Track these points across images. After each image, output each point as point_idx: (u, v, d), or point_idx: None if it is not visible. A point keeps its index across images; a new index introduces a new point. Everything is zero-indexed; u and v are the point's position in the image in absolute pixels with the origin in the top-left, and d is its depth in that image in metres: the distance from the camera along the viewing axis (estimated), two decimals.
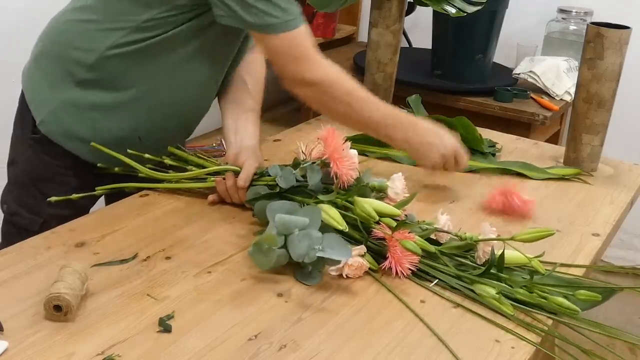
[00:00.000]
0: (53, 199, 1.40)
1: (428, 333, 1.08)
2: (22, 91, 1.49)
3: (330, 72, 1.38)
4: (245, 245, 1.26)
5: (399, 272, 1.19)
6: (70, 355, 0.96)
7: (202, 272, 1.18)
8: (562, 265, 1.26)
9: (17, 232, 1.48)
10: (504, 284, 1.17)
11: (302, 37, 1.35)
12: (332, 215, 1.21)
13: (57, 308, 1.02)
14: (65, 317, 1.02)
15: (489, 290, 1.15)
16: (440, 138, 1.46)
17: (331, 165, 1.30)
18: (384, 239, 1.22)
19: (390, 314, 1.12)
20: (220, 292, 1.14)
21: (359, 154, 1.68)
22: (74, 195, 1.40)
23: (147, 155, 1.43)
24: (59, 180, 1.46)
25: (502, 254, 1.18)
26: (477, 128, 1.72)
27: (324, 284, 1.18)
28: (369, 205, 1.23)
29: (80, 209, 1.47)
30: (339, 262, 1.17)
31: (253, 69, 1.59)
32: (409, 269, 1.19)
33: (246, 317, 1.08)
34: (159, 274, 1.17)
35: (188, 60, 1.41)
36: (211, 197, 1.41)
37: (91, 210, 1.47)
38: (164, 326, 1.03)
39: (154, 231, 1.30)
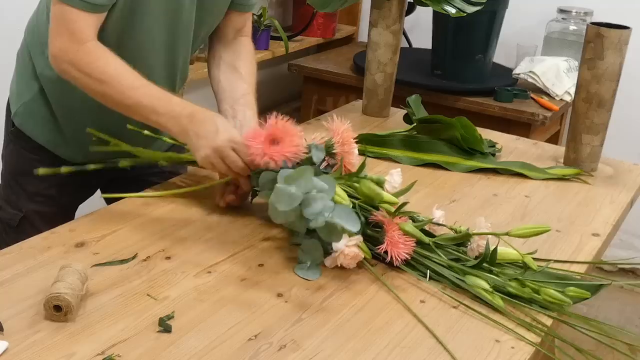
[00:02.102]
0: (40, 171, 1.37)
1: (428, 333, 1.08)
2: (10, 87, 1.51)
3: (81, 50, 1.28)
4: (245, 245, 1.27)
5: (394, 256, 1.19)
6: (70, 355, 0.96)
7: (202, 272, 1.18)
8: (556, 261, 1.27)
9: (1, 227, 1.49)
10: (495, 277, 1.18)
11: (74, 15, 1.27)
12: (336, 191, 1.21)
13: (57, 308, 1.02)
14: (65, 317, 1.02)
15: (480, 282, 1.16)
16: (215, 131, 1.29)
17: (336, 150, 1.31)
18: (381, 226, 1.22)
19: (390, 314, 1.12)
20: (220, 292, 1.14)
21: (359, 154, 1.69)
22: (64, 168, 1.37)
23: (146, 132, 1.40)
24: (38, 176, 1.46)
25: (495, 248, 1.19)
26: (477, 128, 1.72)
27: (324, 284, 1.18)
28: (373, 184, 1.23)
29: (64, 207, 1.47)
30: (348, 231, 1.16)
31: (242, 54, 1.55)
32: (404, 257, 1.20)
33: (246, 317, 1.08)
34: (159, 274, 1.17)
35: (134, 59, 1.36)
36: (222, 203, 1.38)
37: (89, 210, 1.46)
38: (164, 326, 1.03)
39: (154, 231, 1.30)
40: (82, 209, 1.54)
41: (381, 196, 1.23)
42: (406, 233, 1.19)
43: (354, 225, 1.16)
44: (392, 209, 1.24)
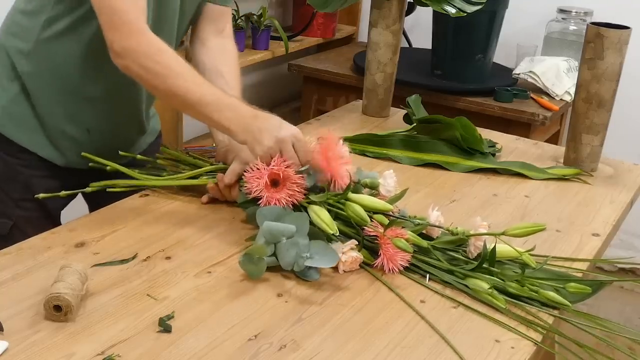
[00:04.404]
0: (41, 195, 1.37)
1: (428, 333, 1.08)
2: None
3: (142, 43, 1.27)
4: (245, 245, 1.26)
5: (391, 269, 1.20)
6: (70, 355, 0.96)
7: (202, 272, 1.18)
8: (555, 258, 1.28)
9: None
10: (496, 278, 1.18)
11: (122, 4, 1.25)
12: (323, 217, 1.21)
13: (57, 308, 1.02)
14: (65, 317, 1.02)
15: (482, 284, 1.16)
16: (275, 125, 1.30)
17: (331, 184, 1.30)
18: (376, 236, 1.23)
19: (390, 314, 1.12)
20: (220, 292, 1.14)
21: (358, 154, 1.70)
22: (63, 193, 1.38)
23: (139, 156, 1.44)
24: (24, 181, 1.44)
25: (494, 248, 1.19)
26: (477, 128, 1.72)
27: (324, 284, 1.18)
28: (360, 207, 1.23)
29: (50, 211, 1.46)
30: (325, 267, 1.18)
31: (226, 56, 1.54)
32: (401, 266, 1.21)
33: (246, 317, 1.08)
34: (159, 274, 1.17)
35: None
36: (205, 198, 1.41)
37: (71, 216, 1.45)
38: (164, 326, 1.03)
39: (154, 231, 1.30)
40: (66, 212, 1.53)
41: (367, 221, 1.22)
42: (399, 248, 1.18)
43: (329, 262, 1.17)
44: (386, 220, 1.23)
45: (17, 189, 1.44)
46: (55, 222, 1.48)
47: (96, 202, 1.45)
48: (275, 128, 1.29)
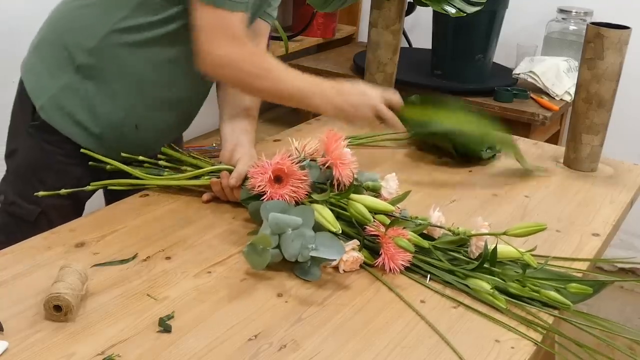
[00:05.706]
0: (41, 193, 1.38)
1: (428, 333, 1.08)
2: (20, 81, 1.48)
3: (245, 50, 1.37)
4: (245, 244, 1.26)
5: (392, 269, 1.20)
6: (70, 355, 0.96)
7: (202, 272, 1.18)
8: (556, 258, 1.28)
9: (14, 222, 1.48)
10: (497, 278, 1.18)
11: (234, 19, 1.34)
12: (326, 216, 1.21)
13: (57, 308, 1.02)
14: (65, 317, 1.02)
15: (483, 284, 1.16)
16: (363, 95, 1.45)
17: (334, 172, 1.30)
18: (378, 235, 1.23)
19: (390, 314, 1.12)
20: (220, 292, 1.14)
21: (356, 146, 1.69)
22: (63, 191, 1.38)
23: (141, 158, 1.44)
24: (59, 169, 1.45)
25: (495, 248, 1.19)
26: None
27: (324, 284, 1.18)
28: (362, 205, 1.23)
29: (78, 199, 1.47)
30: (333, 260, 1.18)
31: None
32: (402, 266, 1.21)
33: (246, 317, 1.08)
34: (159, 274, 1.17)
35: (186, 52, 1.39)
36: (205, 196, 1.42)
37: (92, 207, 1.46)
38: (164, 326, 1.03)
39: (154, 231, 1.30)
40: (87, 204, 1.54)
41: (370, 220, 1.23)
42: (401, 247, 1.18)
43: (336, 253, 1.17)
44: (387, 220, 1.23)
45: (51, 177, 1.45)
46: (80, 211, 1.49)
47: (109, 198, 1.46)
48: (364, 98, 1.43)
